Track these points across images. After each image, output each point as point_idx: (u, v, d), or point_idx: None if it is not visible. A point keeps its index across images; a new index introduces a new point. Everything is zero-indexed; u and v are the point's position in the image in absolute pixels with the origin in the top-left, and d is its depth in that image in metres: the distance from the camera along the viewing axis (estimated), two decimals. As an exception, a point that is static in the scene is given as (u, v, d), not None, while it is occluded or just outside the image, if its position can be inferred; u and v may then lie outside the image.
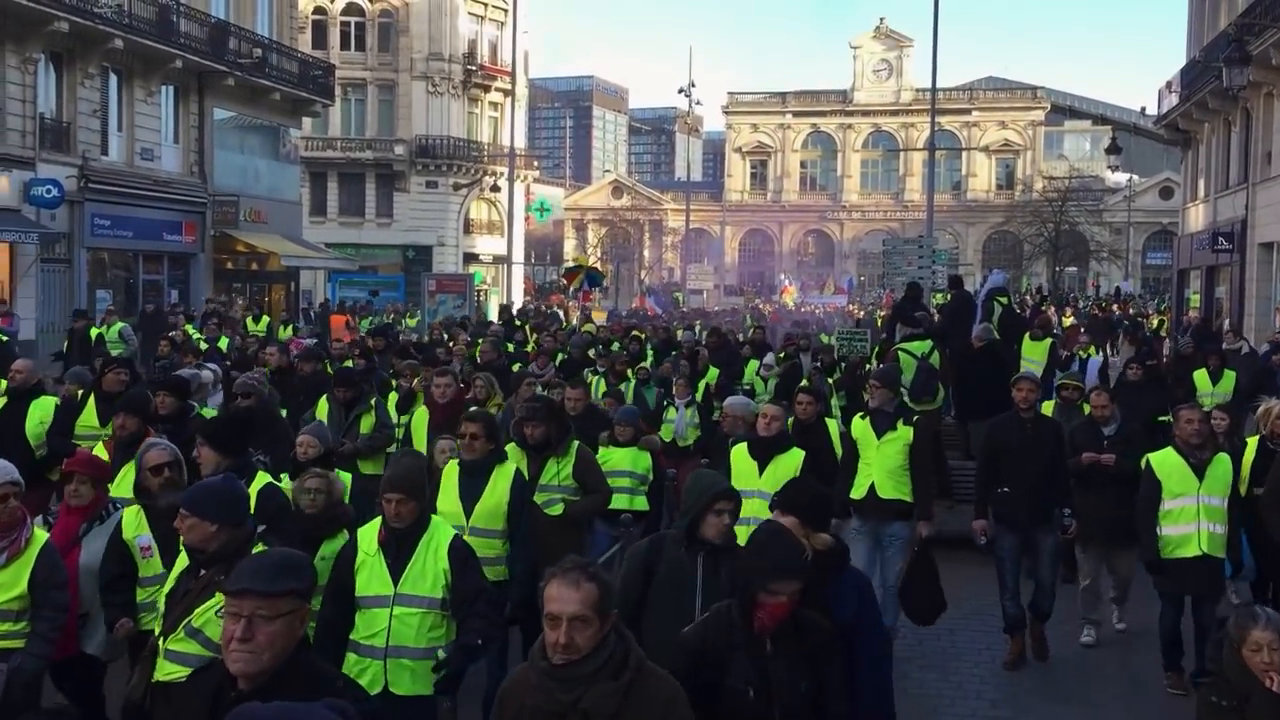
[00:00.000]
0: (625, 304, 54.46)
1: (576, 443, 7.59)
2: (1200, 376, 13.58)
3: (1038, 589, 8.48)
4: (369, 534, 5.34)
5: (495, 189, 46.26)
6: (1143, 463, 7.89)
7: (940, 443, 12.02)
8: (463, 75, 48.00)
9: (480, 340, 16.02)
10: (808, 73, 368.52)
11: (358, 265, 40.29)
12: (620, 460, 8.84)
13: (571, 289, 29.62)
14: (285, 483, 6.53)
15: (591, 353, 16.02)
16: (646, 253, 76.03)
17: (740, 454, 7.50)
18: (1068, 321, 35.68)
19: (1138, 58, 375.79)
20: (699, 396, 12.81)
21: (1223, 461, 7.64)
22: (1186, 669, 7.66)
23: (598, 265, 69.94)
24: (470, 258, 49.03)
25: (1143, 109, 53.87)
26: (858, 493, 8.21)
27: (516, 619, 6.42)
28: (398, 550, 5.23)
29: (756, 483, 7.16)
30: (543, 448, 7.35)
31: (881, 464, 8.17)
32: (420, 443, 9.28)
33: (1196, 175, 35.89)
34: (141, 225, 27.86)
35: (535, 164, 61.60)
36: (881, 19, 76.02)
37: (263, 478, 6.18)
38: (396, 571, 5.18)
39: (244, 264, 33.80)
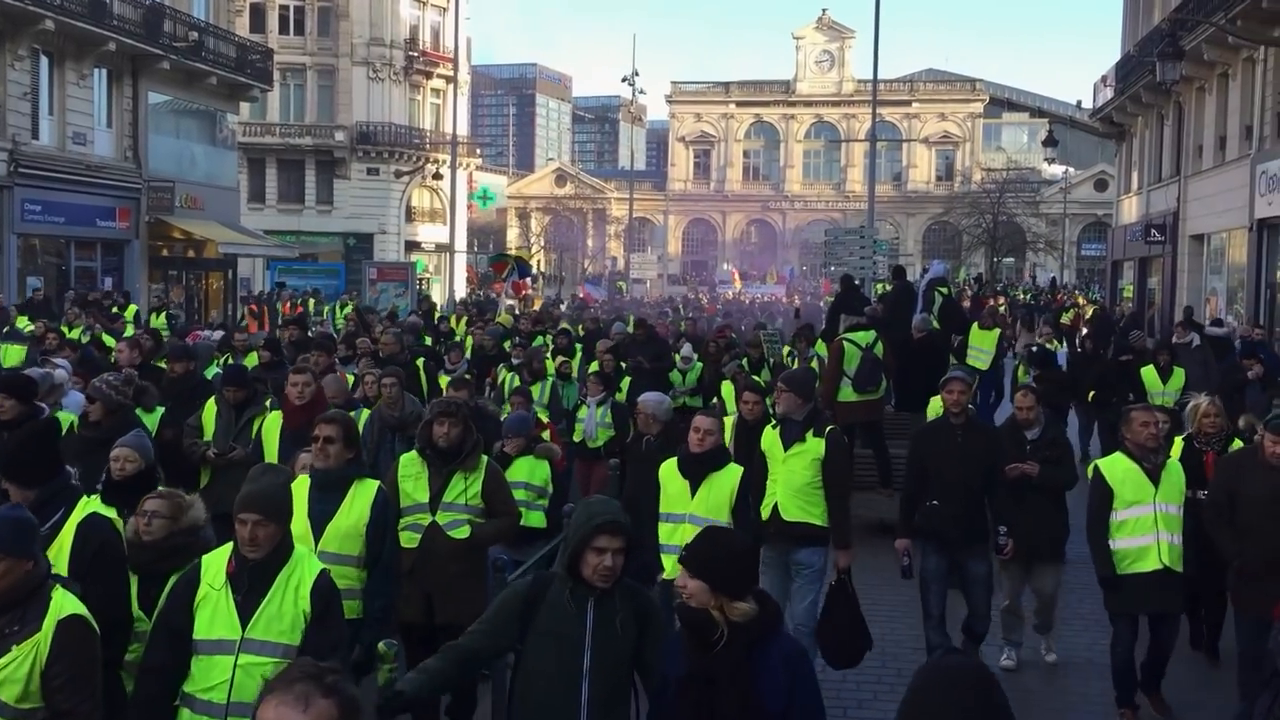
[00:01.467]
0: (569, 293, 54.37)
1: (487, 458, 6.70)
2: (1149, 374, 13.24)
3: (971, 613, 7.66)
4: (215, 563, 4.44)
5: (437, 176, 45.91)
6: (1089, 470, 7.31)
7: (881, 431, 12.20)
8: (404, 61, 47.55)
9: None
10: (751, 63, 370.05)
11: (297, 253, 39.80)
12: (515, 471, 7.94)
13: (503, 278, 29.41)
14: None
15: (508, 345, 15.42)
16: (590, 242, 75.92)
17: (670, 472, 6.71)
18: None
19: (1074, 52, 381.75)
20: (623, 394, 12.31)
21: (1176, 467, 7.07)
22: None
23: (539, 254, 69.74)
24: (412, 246, 48.65)
25: (1079, 102, 54.87)
26: (763, 514, 7.20)
27: (362, 668, 5.31)
28: (250, 585, 4.34)
29: (688, 505, 6.52)
30: (452, 456, 6.39)
31: (787, 481, 7.12)
32: (271, 453, 7.98)
33: (1130, 168, 36.58)
34: (74, 211, 27.27)
35: (478, 151, 61.18)
36: (824, 10, 76.57)
37: (87, 506, 4.99)
38: (246, 611, 4.31)
39: (180, 251, 33.24)
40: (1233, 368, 14.78)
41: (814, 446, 7.16)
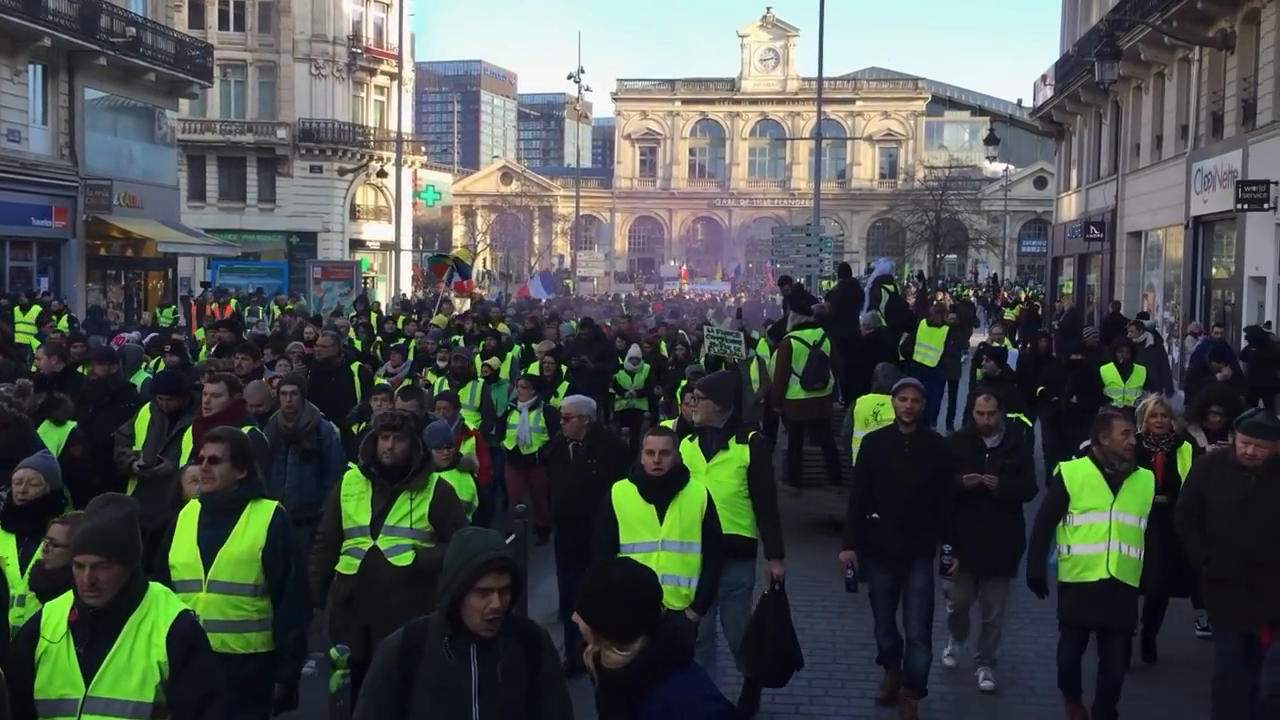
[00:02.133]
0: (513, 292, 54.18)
1: (437, 476, 6.22)
2: (1109, 371, 13.02)
3: (907, 642, 7.12)
4: (56, 612, 3.99)
5: (382, 174, 45.52)
6: (1055, 471, 7.09)
7: (830, 428, 12.28)
8: (347, 58, 47.06)
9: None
10: (696, 61, 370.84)
11: (239, 252, 39.26)
12: None
13: (443, 279, 29.15)
14: None
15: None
16: (537, 240, 75.70)
17: (627, 497, 6.08)
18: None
19: (1015, 52, 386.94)
20: (558, 399, 11.63)
21: (1142, 477, 6.70)
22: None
23: (485, 252, 69.27)
24: (357, 244, 48.18)
25: (1019, 101, 55.65)
26: None
27: (286, 703, 5.17)
28: (94, 634, 3.90)
29: (658, 532, 6.01)
30: (397, 474, 5.93)
31: (713, 493, 6.53)
32: None
33: (1070, 166, 37.15)
34: (7, 210, 26.67)
35: (423, 149, 60.76)
36: (768, 9, 76.90)
37: None
38: (90, 665, 3.87)
39: (118, 250, 32.64)
40: (1200, 369, 14.60)
41: (738, 454, 6.84)
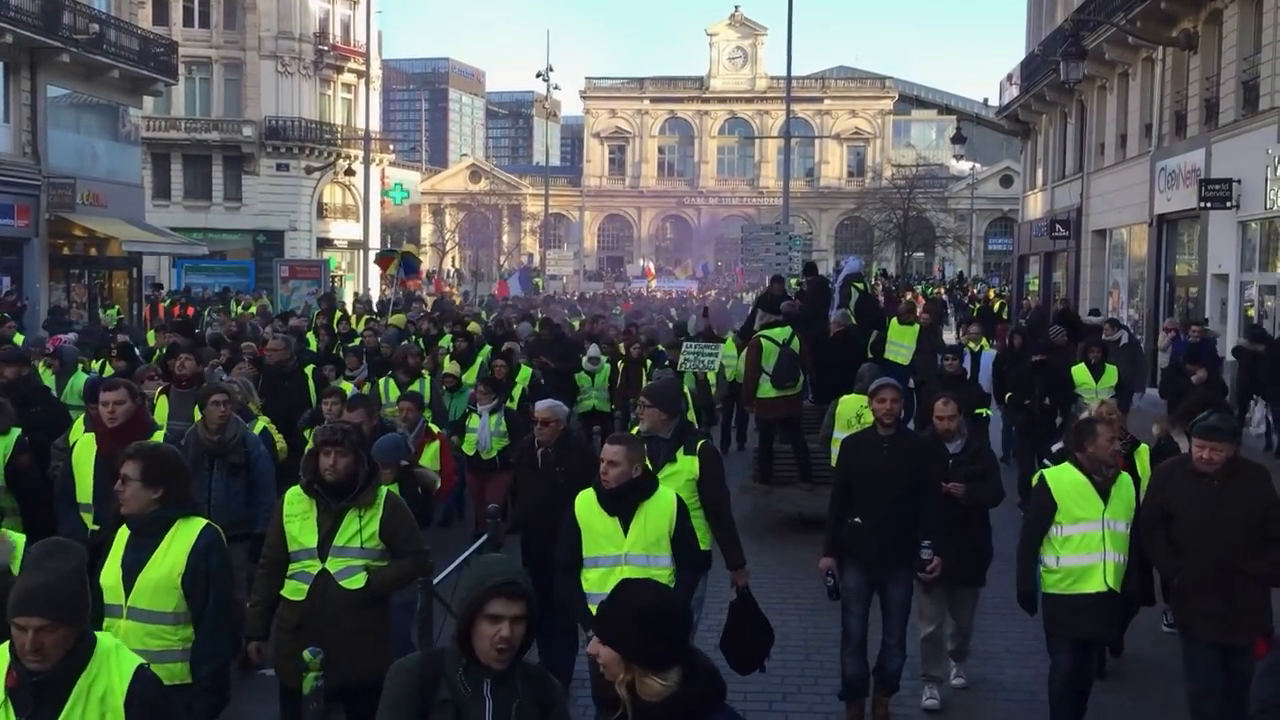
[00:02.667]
0: (485, 290, 54.02)
1: (386, 489, 5.79)
2: (1080, 371, 12.74)
3: (885, 644, 6.96)
4: None
5: (350, 172, 45.27)
6: (1034, 479, 6.83)
7: (800, 427, 12.35)
8: (314, 55, 46.74)
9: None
10: (665, 59, 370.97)
11: (206, 250, 38.93)
12: None
13: (388, 273, 28.64)
14: None
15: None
16: (506, 238, 75.55)
17: (590, 507, 5.79)
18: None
19: (981, 51, 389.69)
20: (515, 400, 11.66)
21: (1126, 481, 6.49)
22: None
23: (454, 250, 68.97)
24: (324, 243, 47.87)
25: (985, 100, 56.14)
26: None
27: None
28: (37, 704, 3.43)
29: (622, 544, 5.70)
30: (342, 491, 5.50)
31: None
32: (84, 487, 7.04)
33: (1035, 165, 37.47)
34: (-31, 209, 26.35)
35: (390, 147, 60.49)
36: (736, 7, 77.13)
37: None
38: None
39: (82, 249, 32.27)
40: (1175, 371, 14.27)
41: (686, 465, 6.57)
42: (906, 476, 6.81)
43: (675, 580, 5.71)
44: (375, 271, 48.70)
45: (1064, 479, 6.39)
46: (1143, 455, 7.79)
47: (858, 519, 6.83)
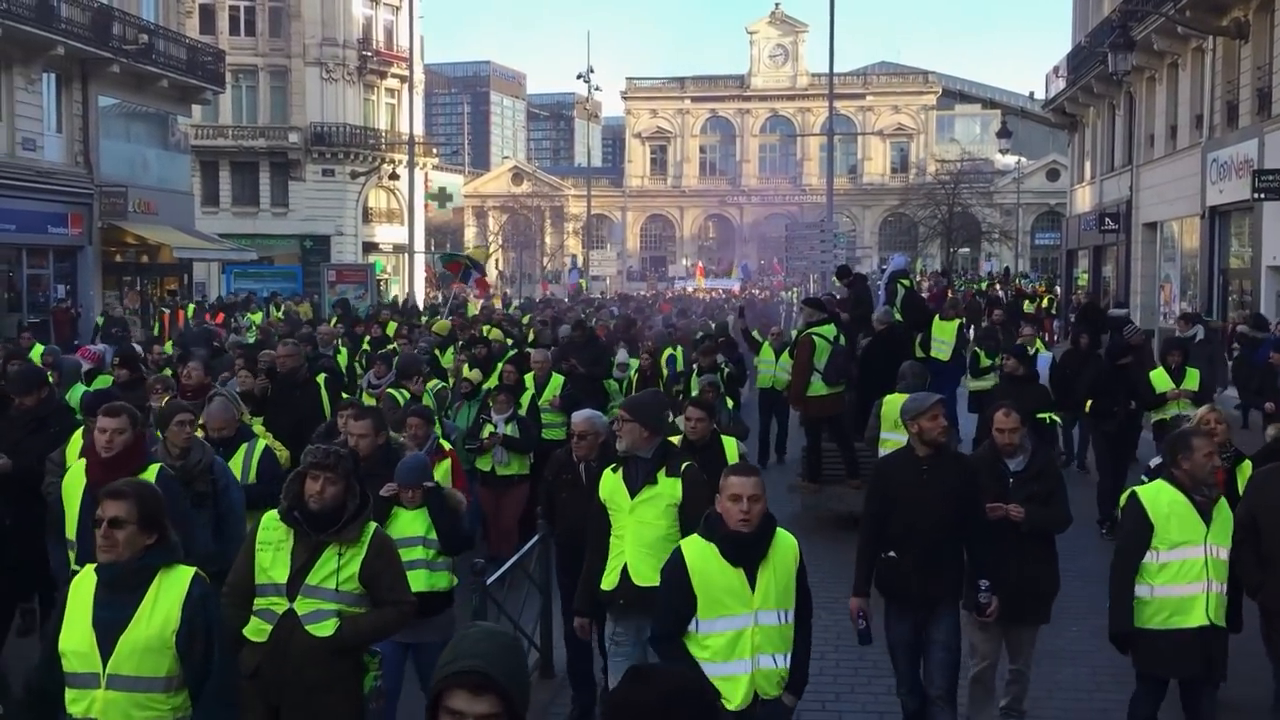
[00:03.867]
0: (527, 291, 54.29)
1: (375, 526, 5.12)
2: (1159, 377, 11.72)
3: (928, 699, 6.17)
4: None
5: (394, 177, 45.65)
6: (1123, 498, 6.14)
7: (845, 424, 12.26)
8: (358, 61, 47.20)
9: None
10: (706, 58, 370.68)
11: (254, 256, 39.44)
12: (408, 525, 6.24)
13: (458, 278, 28.91)
14: None
15: (449, 356, 13.94)
16: (548, 239, 75.80)
17: (708, 559, 4.80)
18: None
19: (1026, 44, 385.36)
20: (524, 407, 10.82)
21: (1224, 504, 5.83)
22: None
23: (497, 252, 69.33)
24: (370, 247, 48.34)
25: (1031, 94, 55.45)
26: (608, 582, 5.88)
27: None
28: None
29: (750, 602, 4.79)
30: (326, 522, 4.86)
31: (637, 535, 5.79)
32: (71, 521, 6.22)
33: (1083, 158, 37.02)
34: (24, 218, 26.83)
35: (434, 151, 60.89)
36: (776, 5, 76.87)
37: None
38: None
39: (134, 257, 32.83)
40: (1268, 371, 13.18)
41: (668, 488, 5.82)
42: (952, 503, 6.02)
43: (795, 637, 4.92)
44: (421, 274, 49.28)
45: (1161, 498, 5.72)
46: (1245, 471, 7.01)
47: (893, 553, 6.08)
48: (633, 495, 5.82)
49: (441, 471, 7.47)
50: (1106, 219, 30.83)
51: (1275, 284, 20.81)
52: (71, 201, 28.65)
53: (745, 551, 4.74)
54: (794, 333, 16.29)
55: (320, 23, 46.08)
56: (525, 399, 11.02)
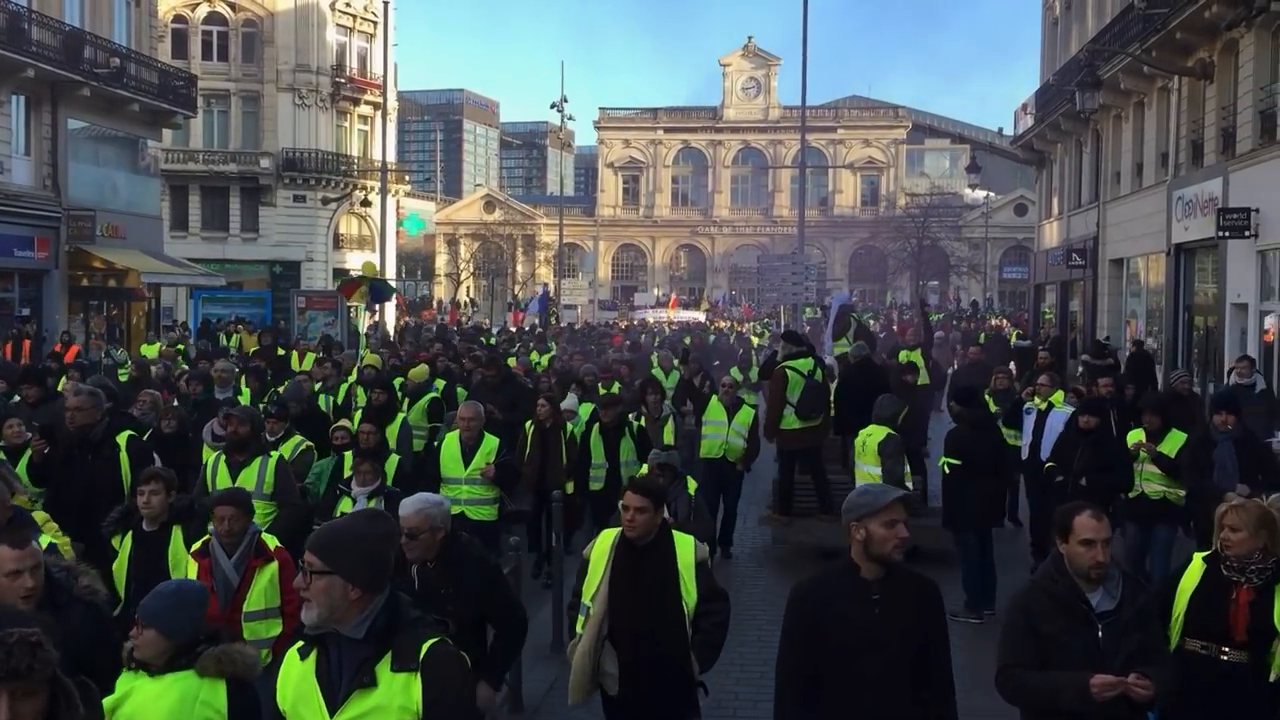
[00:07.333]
0: (499, 320, 54.19)
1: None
2: (1136, 436, 9.54)
3: None
4: None
5: (366, 203, 45.54)
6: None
7: (820, 457, 12.30)
8: (331, 87, 47.15)
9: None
10: (679, 90, 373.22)
11: (223, 281, 39.14)
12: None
13: (350, 304, 27.30)
14: None
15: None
16: (520, 268, 75.80)
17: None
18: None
19: (995, 80, 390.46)
20: (390, 477, 8.41)
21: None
22: None
23: (469, 280, 69.00)
24: (340, 273, 48.01)
25: (999, 129, 56.15)
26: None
27: None
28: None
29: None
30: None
31: None
32: None
33: (1051, 193, 37.44)
34: (-10, 241, 26.57)
35: (406, 178, 60.85)
36: (750, 38, 77.70)
37: None
38: None
39: (101, 281, 32.49)
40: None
41: (396, 693, 3.36)
42: (910, 642, 4.22)
43: None
44: (392, 301, 49.01)
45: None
46: None
47: (827, 714, 4.24)
48: (331, 711, 3.38)
49: (266, 578, 5.83)
50: (1074, 254, 31.15)
51: (1239, 321, 21.05)
52: (39, 225, 28.37)
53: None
54: (753, 374, 16.06)
55: (294, 49, 46.04)
56: (391, 467, 8.41)
